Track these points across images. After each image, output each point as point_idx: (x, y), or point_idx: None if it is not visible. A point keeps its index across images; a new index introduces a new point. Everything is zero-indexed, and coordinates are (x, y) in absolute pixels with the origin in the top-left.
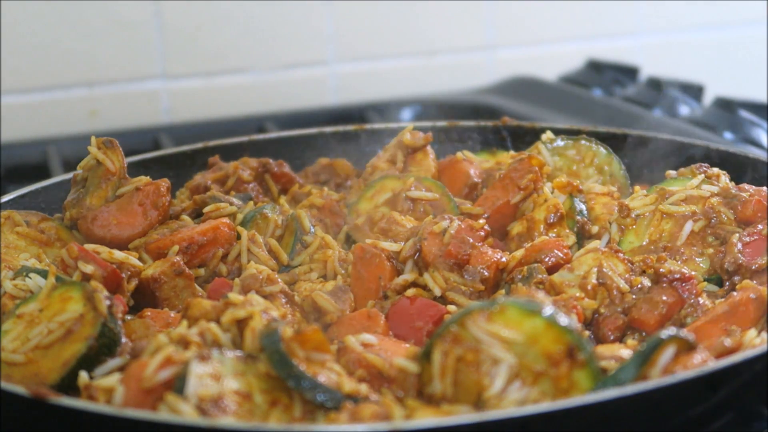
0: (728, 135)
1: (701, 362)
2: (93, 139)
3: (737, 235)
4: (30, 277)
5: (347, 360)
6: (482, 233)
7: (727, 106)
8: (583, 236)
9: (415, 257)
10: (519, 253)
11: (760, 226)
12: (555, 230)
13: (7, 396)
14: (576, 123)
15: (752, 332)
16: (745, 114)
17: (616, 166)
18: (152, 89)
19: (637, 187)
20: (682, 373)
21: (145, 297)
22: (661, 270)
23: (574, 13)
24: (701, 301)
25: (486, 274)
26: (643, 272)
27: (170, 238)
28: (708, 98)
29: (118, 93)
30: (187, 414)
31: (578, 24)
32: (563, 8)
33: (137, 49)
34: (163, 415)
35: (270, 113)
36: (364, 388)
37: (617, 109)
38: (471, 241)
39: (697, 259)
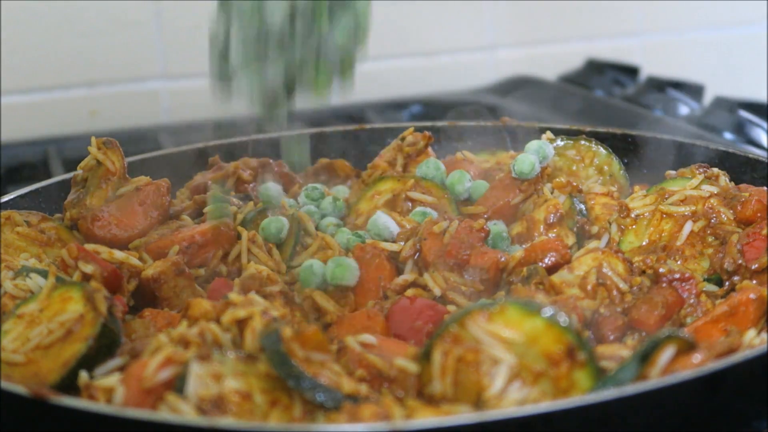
0: (728, 135)
1: (701, 362)
2: (93, 140)
3: (737, 235)
4: (30, 277)
5: (347, 360)
6: (482, 234)
7: (727, 106)
8: (583, 236)
9: (415, 257)
10: (519, 254)
11: (760, 226)
12: (555, 230)
13: (7, 396)
14: (576, 123)
15: (752, 332)
16: (745, 114)
17: (616, 166)
18: (152, 89)
19: (637, 187)
20: (682, 373)
21: (145, 297)
22: (660, 270)
23: (574, 13)
24: (701, 301)
25: (486, 274)
26: (643, 272)
27: (170, 238)
28: (708, 98)
29: (118, 93)
30: (187, 414)
31: (578, 24)
32: (563, 8)
33: (137, 49)
34: (163, 415)
35: None
36: (364, 388)
37: (617, 109)
38: (471, 241)
39: (697, 259)
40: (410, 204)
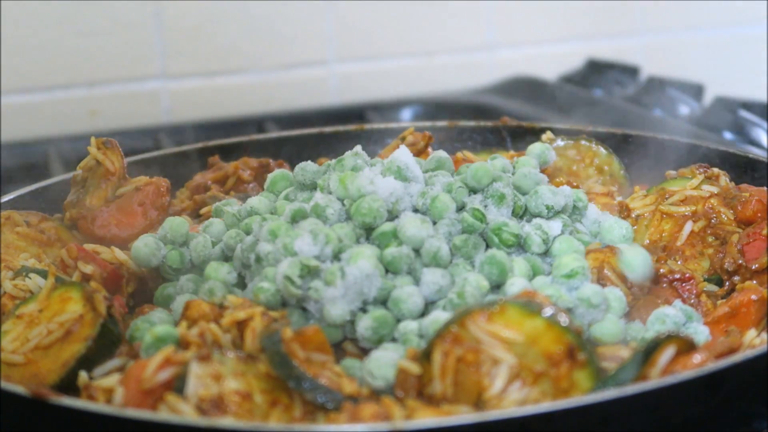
0: (728, 135)
1: (701, 362)
2: (92, 140)
3: (737, 235)
4: (30, 278)
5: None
6: None
7: (727, 106)
8: None
9: None
10: None
11: (760, 226)
12: None
13: (7, 396)
14: (576, 123)
15: (752, 332)
16: (745, 114)
17: (616, 166)
18: (152, 89)
19: (637, 187)
20: (682, 373)
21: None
22: (661, 270)
23: (574, 13)
24: (702, 301)
25: None
26: None
27: None
28: (708, 98)
29: (118, 93)
30: (187, 414)
31: (578, 24)
32: (563, 8)
33: (137, 49)
34: (163, 415)
35: (270, 113)
36: (364, 389)
37: (617, 109)
38: None
39: (697, 259)
40: None
